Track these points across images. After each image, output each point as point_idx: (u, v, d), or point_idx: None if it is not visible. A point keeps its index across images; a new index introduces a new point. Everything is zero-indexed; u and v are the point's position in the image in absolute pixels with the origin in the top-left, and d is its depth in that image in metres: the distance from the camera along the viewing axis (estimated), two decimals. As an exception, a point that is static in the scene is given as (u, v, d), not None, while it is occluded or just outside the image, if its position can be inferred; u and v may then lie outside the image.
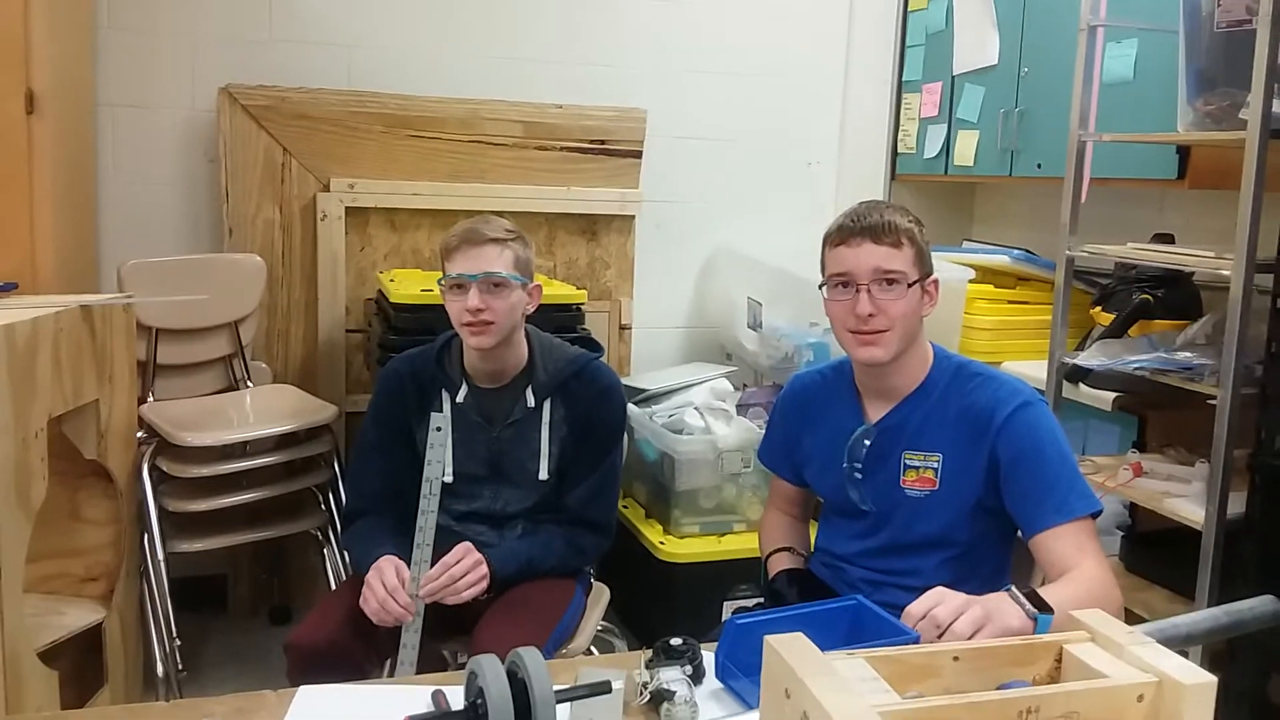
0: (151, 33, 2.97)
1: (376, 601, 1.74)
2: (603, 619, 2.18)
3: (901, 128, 3.63)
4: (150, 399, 2.71)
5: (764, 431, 1.96)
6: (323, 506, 2.81)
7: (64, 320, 2.09)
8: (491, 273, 1.90)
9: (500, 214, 2.35)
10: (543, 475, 2.00)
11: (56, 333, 2.05)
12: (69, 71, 2.66)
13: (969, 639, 1.23)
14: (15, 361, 1.88)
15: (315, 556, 2.83)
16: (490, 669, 1.08)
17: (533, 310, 2.02)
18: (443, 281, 1.95)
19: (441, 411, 1.99)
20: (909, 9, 3.58)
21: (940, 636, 1.24)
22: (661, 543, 2.77)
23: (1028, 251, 3.07)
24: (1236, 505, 2.02)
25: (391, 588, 1.75)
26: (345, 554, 2.64)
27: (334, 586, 2.72)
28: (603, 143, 3.28)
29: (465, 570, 1.80)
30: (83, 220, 2.84)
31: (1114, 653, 0.99)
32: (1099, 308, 2.54)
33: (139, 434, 2.51)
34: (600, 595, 2.18)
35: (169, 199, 3.06)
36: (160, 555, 2.50)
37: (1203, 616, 1.27)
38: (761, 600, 1.85)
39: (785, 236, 3.39)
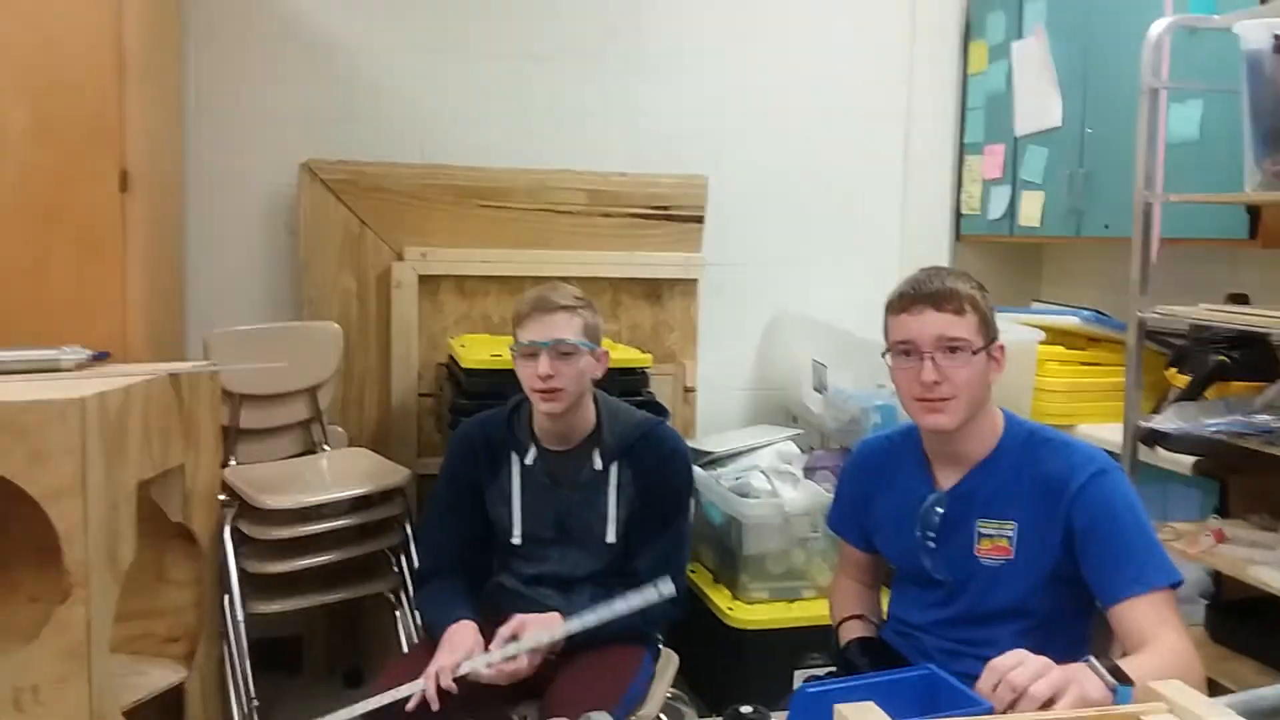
0: (236, 112, 3.12)
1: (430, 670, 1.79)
2: (671, 686, 2.17)
3: (965, 189, 3.64)
4: (232, 462, 2.80)
5: (832, 496, 1.96)
6: (395, 568, 2.85)
7: (153, 388, 2.18)
8: (561, 340, 1.95)
9: (566, 279, 2.41)
10: (609, 539, 2.03)
11: (146, 400, 2.14)
12: (160, 150, 2.81)
13: (1046, 704, 1.22)
14: (108, 427, 1.97)
15: (388, 618, 2.86)
16: (566, 735, 1.10)
17: (600, 375, 2.06)
18: (514, 348, 2.00)
19: (511, 471, 2.03)
20: (969, 72, 3.61)
21: (1016, 702, 1.23)
22: (730, 609, 2.75)
23: (1099, 312, 3.04)
24: (1324, 573, 1.96)
25: (443, 668, 1.79)
26: (418, 615, 2.67)
27: (405, 648, 2.75)
28: (665, 209, 3.34)
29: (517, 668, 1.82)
30: (171, 291, 2.97)
31: (1196, 727, 0.97)
32: (1174, 369, 2.50)
33: (221, 497, 2.59)
34: (669, 662, 2.18)
35: (251, 270, 3.18)
36: (240, 616, 2.56)
37: (1290, 689, 1.23)
38: (833, 669, 1.83)
39: (849, 298, 3.40)
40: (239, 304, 3.13)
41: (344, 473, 2.86)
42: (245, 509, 2.61)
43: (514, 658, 1.81)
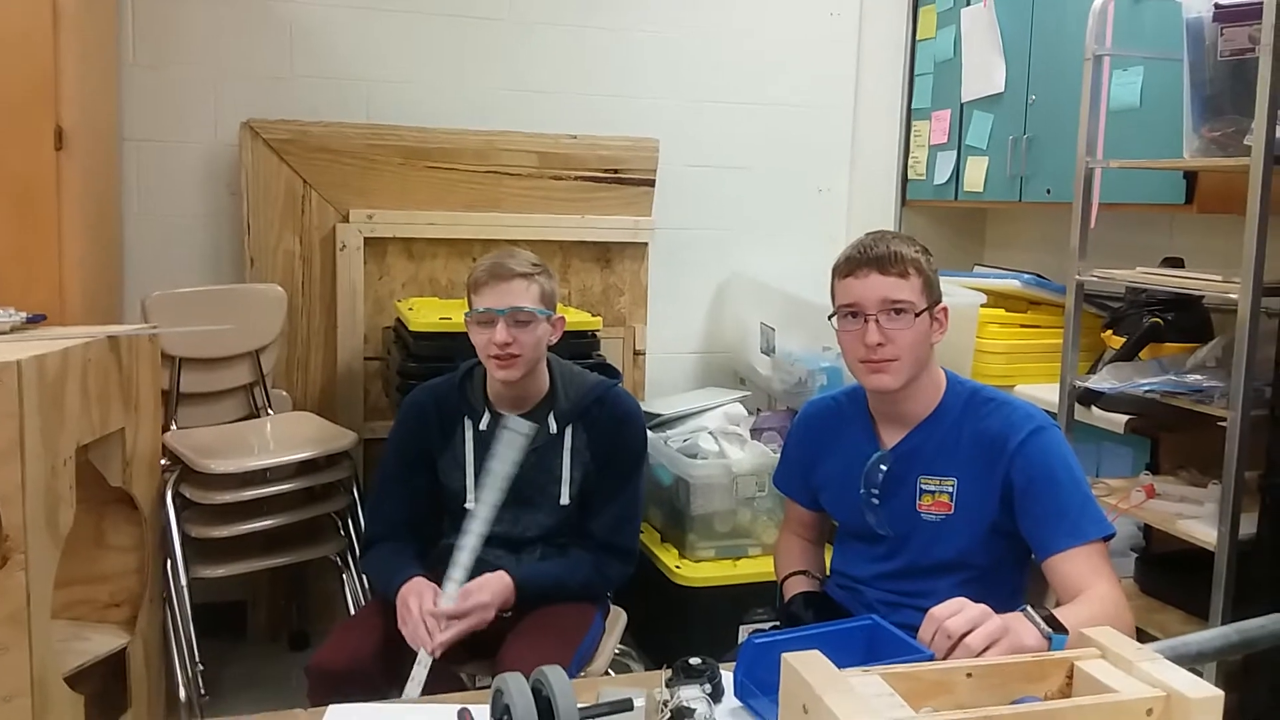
0: (174, 69, 3.04)
1: (411, 625, 1.78)
2: (620, 642, 2.20)
3: (911, 154, 3.68)
4: (174, 427, 2.76)
5: (779, 457, 1.99)
6: (341, 532, 2.84)
7: (92, 351, 2.14)
8: (519, 307, 1.94)
9: (515, 243, 2.40)
10: (564, 500, 2.04)
11: (85, 363, 2.09)
12: (96, 108, 2.73)
13: (982, 651, 1.26)
14: (45, 391, 1.92)
15: (334, 582, 2.86)
16: (516, 686, 1.11)
17: (556, 341, 2.06)
18: (469, 315, 1.99)
19: (465, 436, 2.03)
20: (917, 38, 3.63)
21: (954, 648, 1.27)
22: (677, 567, 2.79)
23: (1039, 276, 3.10)
24: (1248, 526, 2.04)
25: (420, 618, 1.79)
26: (366, 577, 2.67)
27: (353, 612, 2.75)
28: (616, 172, 3.33)
29: (475, 611, 1.83)
30: (109, 253, 2.90)
31: (1124, 669, 1.01)
32: (1110, 331, 2.56)
33: (162, 461, 2.56)
34: (617, 618, 2.21)
35: (192, 231, 3.12)
36: (183, 581, 2.54)
37: (1214, 634, 1.29)
38: (777, 623, 1.87)
39: (797, 262, 3.44)
40: (179, 266, 3.07)
41: (288, 437, 2.83)
42: (187, 473, 2.58)
43: (485, 605, 1.83)
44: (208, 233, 3.13)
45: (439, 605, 1.79)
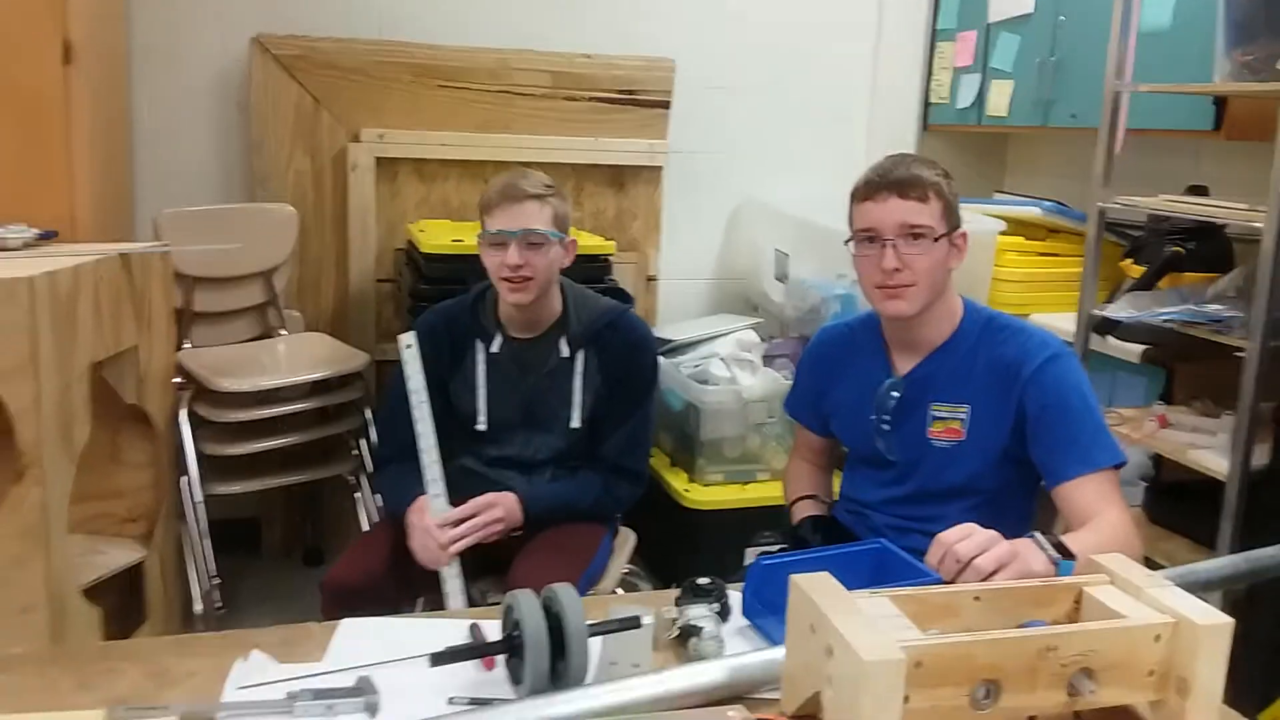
0: (182, -18, 2.98)
1: (419, 539, 1.82)
2: (628, 563, 2.22)
3: (934, 77, 3.59)
4: (187, 345, 2.77)
5: (791, 383, 1.98)
6: (354, 452, 2.86)
7: (104, 268, 2.13)
8: (531, 229, 1.92)
9: (528, 164, 2.36)
10: (574, 424, 2.04)
11: (97, 280, 2.09)
12: (104, 21, 2.68)
13: (990, 575, 1.26)
14: (58, 308, 1.92)
15: (347, 501, 2.89)
16: (526, 603, 1.12)
17: (569, 264, 2.04)
18: (481, 236, 1.97)
19: (476, 359, 2.04)
20: (943, -44, 3.53)
21: (962, 572, 1.27)
22: (686, 490, 2.81)
23: (1059, 203, 3.05)
24: (1261, 457, 2.03)
25: (425, 530, 1.83)
26: (378, 496, 2.70)
27: (366, 529, 2.78)
28: (631, 93, 3.27)
29: (482, 524, 1.87)
30: (119, 170, 2.88)
31: (1132, 595, 1.01)
32: (1130, 260, 2.53)
33: (176, 380, 2.57)
34: (626, 539, 2.22)
35: (202, 149, 3.09)
36: (198, 497, 2.57)
37: (1223, 563, 1.29)
38: (785, 546, 1.88)
39: (813, 188, 3.38)
40: (189, 184, 3.04)
41: (301, 357, 2.84)
42: (201, 392, 2.60)
43: (500, 520, 1.88)
44: (218, 151, 3.10)
45: (430, 518, 1.83)
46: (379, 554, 1.88)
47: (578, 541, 1.98)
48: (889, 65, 3.61)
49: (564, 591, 1.14)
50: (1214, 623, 0.94)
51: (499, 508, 1.89)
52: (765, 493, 2.76)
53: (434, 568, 1.83)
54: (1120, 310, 2.32)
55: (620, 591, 2.12)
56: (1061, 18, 2.94)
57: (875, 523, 1.74)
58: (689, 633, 1.24)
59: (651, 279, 3.39)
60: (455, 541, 1.83)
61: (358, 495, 2.84)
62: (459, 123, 3.13)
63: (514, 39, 3.19)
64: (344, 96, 3.03)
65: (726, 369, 2.91)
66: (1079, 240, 2.67)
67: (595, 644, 1.14)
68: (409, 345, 1.87)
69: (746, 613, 1.33)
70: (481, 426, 2.04)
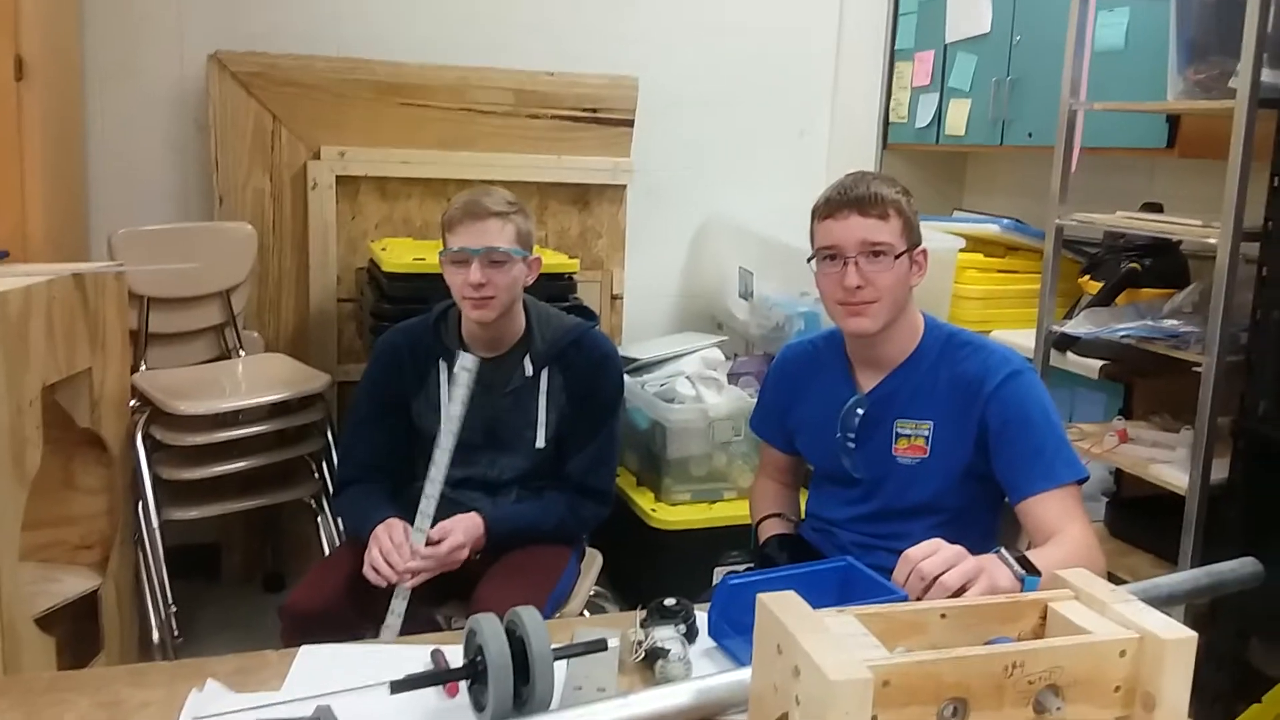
0: (138, -1, 2.94)
1: (376, 560, 1.77)
2: (595, 584, 2.20)
3: (894, 96, 3.63)
4: (143, 368, 2.72)
5: (756, 401, 1.98)
6: (315, 475, 2.82)
7: (57, 289, 2.08)
8: (494, 247, 1.91)
9: (491, 182, 2.34)
10: (539, 443, 2.02)
11: (49, 301, 2.05)
12: (57, 38, 2.64)
13: (957, 592, 1.26)
14: (9, 329, 1.88)
15: (308, 524, 2.84)
16: (489, 627, 1.10)
17: (532, 282, 2.03)
18: (443, 254, 1.95)
19: (440, 378, 2.01)
20: (901, -23, 3.57)
21: (928, 589, 1.27)
22: (653, 510, 2.79)
23: (1018, 221, 3.09)
24: (1220, 471, 2.05)
25: (392, 546, 1.78)
26: (339, 519, 2.66)
27: (327, 553, 2.74)
28: (594, 111, 3.27)
29: (446, 552, 1.82)
30: (73, 188, 2.83)
31: (1097, 610, 1.01)
32: (1088, 276, 2.56)
33: (132, 403, 2.52)
34: (593, 561, 2.21)
35: (159, 167, 3.04)
36: (154, 523, 2.51)
37: (1184, 577, 1.29)
38: (752, 565, 1.88)
39: (777, 205, 3.40)
40: (146, 203, 3.00)
41: (260, 378, 2.79)
42: (157, 415, 2.55)
43: (458, 545, 1.83)
44: (175, 169, 3.05)
45: (409, 541, 1.79)
46: (339, 579, 1.85)
47: (543, 563, 1.96)
48: (849, 85, 3.65)
49: (528, 615, 1.12)
50: (1179, 637, 0.95)
51: (458, 532, 1.85)
52: (732, 512, 2.75)
53: (379, 584, 1.78)
54: (1079, 326, 2.35)
55: (588, 614, 2.10)
56: (1017, 38, 2.98)
57: (842, 540, 1.73)
58: (655, 655, 1.22)
59: (616, 297, 3.38)
60: (414, 571, 1.78)
61: (319, 519, 2.79)
62: (421, 140, 3.11)
63: (476, 57, 3.18)
64: (304, 114, 3.00)
65: (692, 387, 2.90)
66: (1037, 257, 2.71)
67: (560, 668, 1.13)
68: (467, 368, 1.81)
69: (713, 634, 1.32)
70: (445, 446, 2.02)
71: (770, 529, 1.84)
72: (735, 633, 1.29)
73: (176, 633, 2.54)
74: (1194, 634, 0.94)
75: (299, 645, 1.30)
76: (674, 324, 3.60)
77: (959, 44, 3.23)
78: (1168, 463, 2.20)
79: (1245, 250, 2.01)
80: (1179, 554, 2.11)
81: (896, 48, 3.61)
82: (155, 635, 2.52)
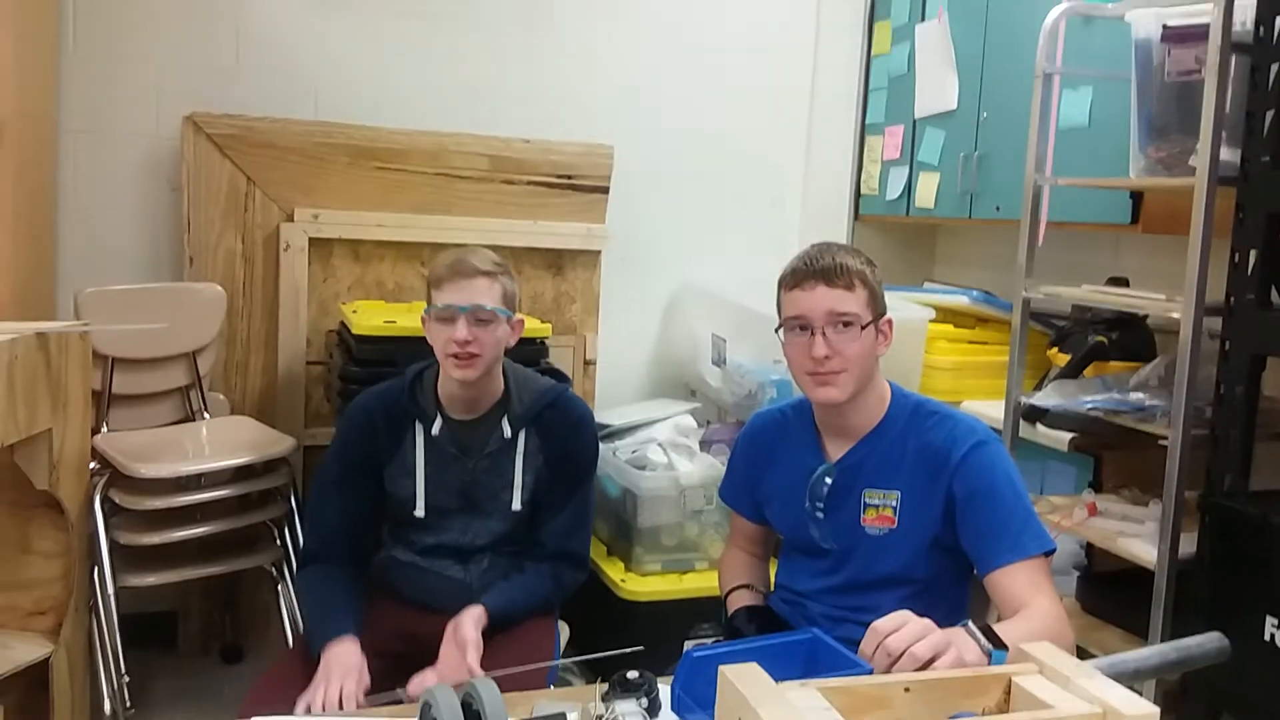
0: (115, 60, 2.95)
1: (315, 705, 1.67)
2: (561, 656, 2.16)
3: (865, 169, 3.69)
4: (104, 429, 2.67)
5: (725, 469, 1.97)
6: (278, 542, 2.76)
7: (18, 347, 2.06)
8: (480, 305, 1.90)
9: (466, 247, 2.33)
10: (516, 506, 1.99)
11: (11, 360, 2.02)
12: (33, 98, 2.65)
13: (926, 663, 1.24)
14: (-34, 388, 1.85)
15: (269, 593, 2.78)
16: (445, 700, 1.07)
17: (514, 344, 2.02)
18: (429, 311, 1.94)
19: (415, 441, 1.97)
20: (873, 53, 3.66)
21: (893, 665, 1.25)
22: (623, 580, 2.75)
23: (987, 293, 3.12)
24: (1188, 545, 2.05)
25: (340, 697, 1.68)
26: (298, 600, 2.58)
27: (286, 624, 2.67)
28: (570, 178, 3.30)
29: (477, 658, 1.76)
30: (41, 247, 2.81)
31: (1061, 684, 1.00)
32: (1056, 349, 2.58)
33: (91, 465, 2.47)
34: (562, 631, 2.16)
35: (129, 227, 3.03)
36: (110, 589, 2.45)
37: (1151, 652, 1.28)
38: (721, 637, 1.84)
39: (750, 274, 3.42)
40: (115, 263, 2.98)
41: (224, 441, 2.75)
42: (118, 478, 2.50)
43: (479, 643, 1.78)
44: (146, 229, 3.04)
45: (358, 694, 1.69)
46: (291, 693, 1.71)
47: (535, 639, 1.92)
48: (821, 157, 3.71)
49: (484, 688, 1.09)
50: (1141, 713, 0.93)
51: (473, 632, 1.79)
52: (704, 582, 2.71)
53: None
54: (1047, 398, 2.36)
55: (552, 687, 2.05)
56: (984, 114, 3.05)
57: (811, 612, 1.71)
58: (615, 730, 1.19)
59: (589, 362, 3.38)
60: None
61: (280, 588, 2.73)
62: (396, 204, 3.12)
63: (453, 122, 3.21)
64: (279, 176, 3.01)
65: (664, 454, 2.88)
66: (1006, 329, 2.73)
67: (517, 743, 1.09)
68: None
69: (675, 707, 1.29)
70: (420, 513, 1.98)
71: (739, 600, 1.82)
72: (699, 706, 1.26)
73: (129, 704, 2.46)
74: (1156, 709, 0.93)
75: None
76: (647, 390, 3.60)
77: (927, 119, 3.30)
78: (1137, 536, 2.20)
79: (1209, 325, 2.03)
80: (1149, 629, 2.09)
81: (867, 122, 3.68)
82: (107, 706, 2.44)
